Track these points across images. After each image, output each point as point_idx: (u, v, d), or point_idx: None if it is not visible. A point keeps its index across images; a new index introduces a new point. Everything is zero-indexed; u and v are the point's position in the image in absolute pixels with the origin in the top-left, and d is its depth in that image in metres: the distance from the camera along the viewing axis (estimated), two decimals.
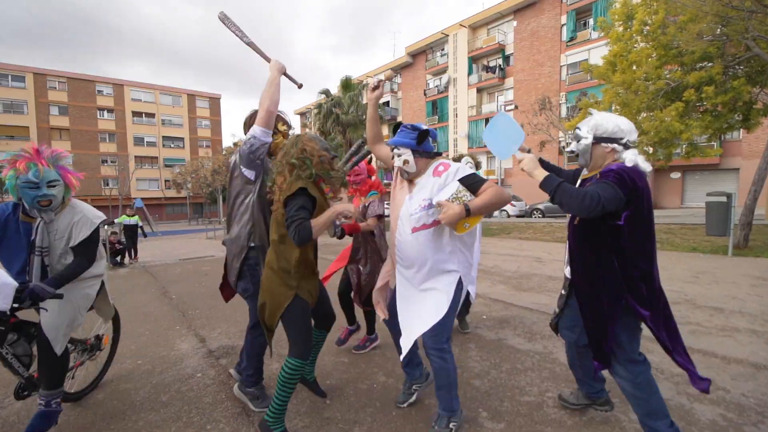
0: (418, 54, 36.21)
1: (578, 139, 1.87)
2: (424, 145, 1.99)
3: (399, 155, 2.00)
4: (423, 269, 1.96)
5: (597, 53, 20.43)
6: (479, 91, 31.27)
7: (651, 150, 8.63)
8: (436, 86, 34.44)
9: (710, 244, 7.88)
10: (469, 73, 31.49)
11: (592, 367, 2.04)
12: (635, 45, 8.49)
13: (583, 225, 1.84)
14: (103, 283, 2.44)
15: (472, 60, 31.49)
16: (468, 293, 2.07)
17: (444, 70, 33.55)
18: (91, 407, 2.51)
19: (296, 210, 1.84)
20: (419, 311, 1.96)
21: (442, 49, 34.19)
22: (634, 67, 8.34)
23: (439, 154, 2.09)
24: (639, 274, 1.73)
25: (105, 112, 44.11)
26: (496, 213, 20.66)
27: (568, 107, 23.02)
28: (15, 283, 1.82)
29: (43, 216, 2.08)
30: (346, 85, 22.30)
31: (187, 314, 4.60)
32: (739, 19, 6.72)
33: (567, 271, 2.06)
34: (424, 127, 2.01)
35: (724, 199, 7.82)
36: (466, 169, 1.91)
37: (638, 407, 1.83)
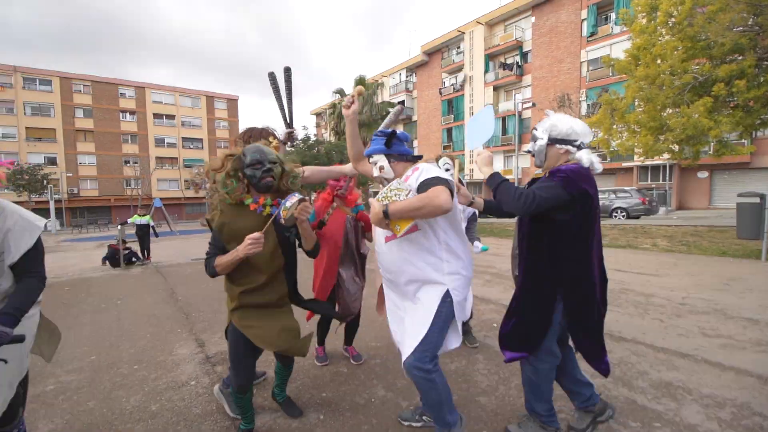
0: (434, 52, 35.85)
1: (534, 139, 1.92)
2: (396, 148, 1.88)
3: (375, 163, 1.91)
4: (402, 280, 1.84)
5: (619, 48, 19.75)
6: (496, 89, 30.72)
7: (677, 148, 8.18)
8: (452, 85, 34.03)
9: (742, 248, 7.40)
10: (486, 71, 30.98)
11: (574, 364, 2.05)
12: (660, 38, 8.04)
13: (530, 223, 1.87)
14: (41, 313, 1.80)
15: (489, 57, 30.97)
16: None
17: (460, 69, 33.12)
18: (80, 415, 2.43)
19: (209, 244, 1.89)
20: (404, 331, 1.85)
21: (458, 47, 33.74)
22: (659, 61, 7.89)
23: (418, 158, 1.94)
24: (574, 275, 1.78)
25: (127, 114, 45.30)
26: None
27: (588, 104, 22.37)
28: None
29: None
30: (360, 84, 22.19)
31: (190, 317, 4.54)
32: None
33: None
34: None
35: (757, 200, 7.34)
36: (430, 171, 1.73)
37: (529, 390, 1.96)
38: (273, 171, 1.84)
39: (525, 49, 29.14)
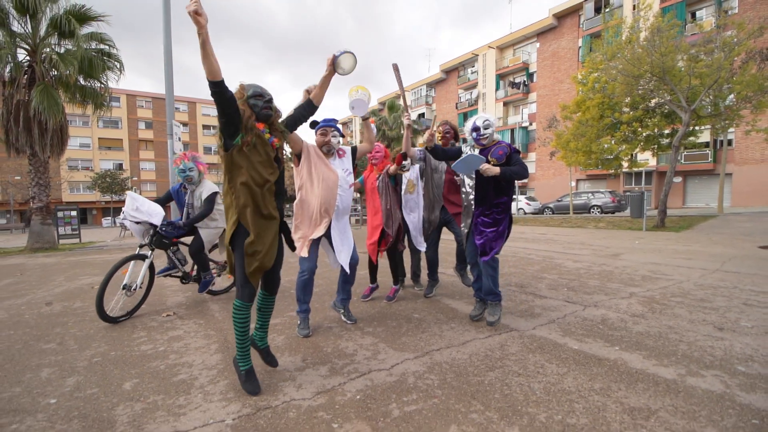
0: (451, 71, 40.68)
1: (488, 127, 3.02)
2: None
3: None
4: None
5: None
6: (505, 104, 35.29)
7: (600, 165, 12.82)
8: (467, 100, 38.68)
9: (634, 223, 11.89)
10: (497, 88, 35.56)
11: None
12: (590, 96, 12.70)
13: (495, 178, 2.94)
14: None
15: (500, 77, 35.57)
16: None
17: (474, 86, 37.80)
18: None
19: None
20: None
21: (473, 67, 38.44)
22: (589, 111, 12.56)
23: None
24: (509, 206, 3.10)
25: (181, 126, 51.52)
26: (513, 210, 24.68)
27: (546, 126, 26.55)
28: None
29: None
30: (391, 107, 27.25)
31: None
32: (645, 84, 10.89)
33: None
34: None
35: (640, 194, 11.88)
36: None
37: (492, 282, 3.10)
38: (270, 107, 2.16)
39: (531, 71, 33.64)
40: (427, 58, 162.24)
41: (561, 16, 30.60)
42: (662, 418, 1.81)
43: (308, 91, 2.67)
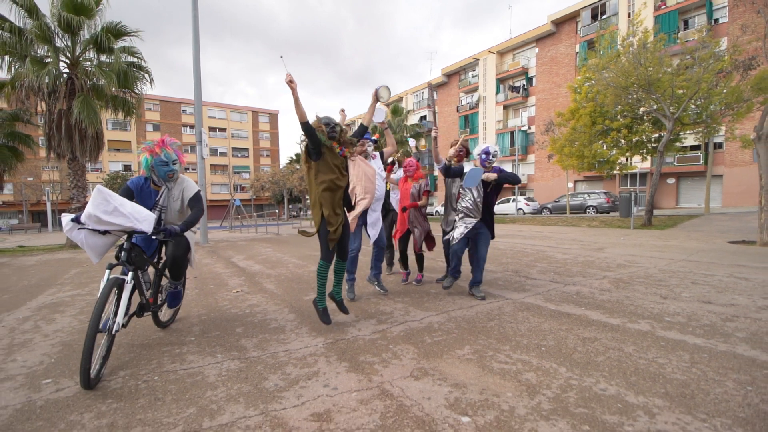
0: (453, 74, 41.69)
1: (497, 156, 4.11)
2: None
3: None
4: None
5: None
6: (505, 107, 36.28)
7: (594, 167, 13.83)
8: (468, 103, 39.69)
9: (623, 222, 12.89)
10: (497, 92, 36.55)
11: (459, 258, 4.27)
12: (583, 104, 13.71)
13: (493, 191, 4.13)
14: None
15: (500, 81, 36.56)
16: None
17: (475, 89, 38.81)
18: None
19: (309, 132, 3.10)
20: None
21: (474, 71, 39.45)
22: (581, 118, 13.57)
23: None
24: None
25: (188, 128, 52.85)
26: (513, 210, 25.68)
27: (544, 130, 27.59)
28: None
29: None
30: (395, 111, 28.24)
31: None
32: (633, 94, 11.89)
33: (466, 222, 4.12)
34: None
35: (628, 194, 12.89)
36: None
37: (483, 261, 4.18)
38: (335, 129, 3.18)
39: (530, 75, 34.62)
40: (428, 60, 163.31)
41: (559, 23, 31.60)
42: (602, 341, 2.81)
43: (342, 110, 3.74)
